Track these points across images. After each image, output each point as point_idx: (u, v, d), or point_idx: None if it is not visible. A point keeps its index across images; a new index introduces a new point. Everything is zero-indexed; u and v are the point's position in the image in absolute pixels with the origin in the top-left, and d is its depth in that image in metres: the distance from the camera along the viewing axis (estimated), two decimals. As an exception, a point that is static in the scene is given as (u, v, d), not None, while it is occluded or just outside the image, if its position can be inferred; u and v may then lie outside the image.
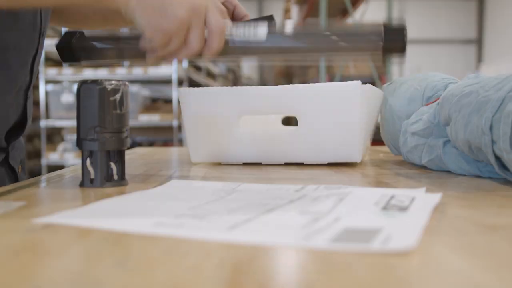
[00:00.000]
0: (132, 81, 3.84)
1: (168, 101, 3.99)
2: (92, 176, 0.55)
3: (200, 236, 0.34)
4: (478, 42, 8.47)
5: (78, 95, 0.55)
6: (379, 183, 0.60)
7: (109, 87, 0.55)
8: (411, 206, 0.42)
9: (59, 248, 0.32)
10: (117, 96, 0.55)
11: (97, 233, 0.35)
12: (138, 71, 3.78)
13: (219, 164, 0.81)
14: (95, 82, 0.55)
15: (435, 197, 0.46)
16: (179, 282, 0.25)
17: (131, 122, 3.11)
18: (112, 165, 0.56)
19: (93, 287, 0.24)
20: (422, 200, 0.44)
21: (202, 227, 0.36)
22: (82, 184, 0.56)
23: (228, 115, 0.79)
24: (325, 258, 0.29)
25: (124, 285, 0.25)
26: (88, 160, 0.56)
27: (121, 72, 3.77)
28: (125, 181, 0.58)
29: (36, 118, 4.05)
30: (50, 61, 4.08)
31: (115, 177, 0.57)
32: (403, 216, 0.38)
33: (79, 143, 0.56)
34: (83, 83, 0.55)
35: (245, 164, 0.80)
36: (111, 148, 0.56)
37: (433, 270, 0.27)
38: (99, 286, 0.24)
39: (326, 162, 0.77)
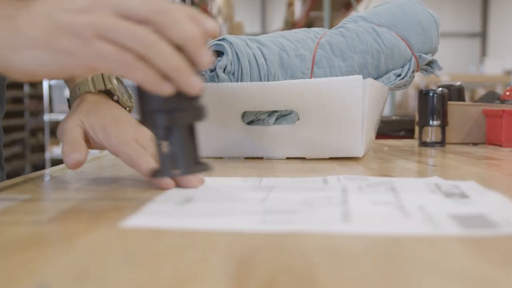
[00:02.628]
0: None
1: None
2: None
3: (316, 229, 0.33)
4: (483, 35, 8.44)
5: None
6: (384, 177, 0.60)
7: None
8: (467, 193, 0.44)
9: (65, 242, 0.32)
10: None
11: (103, 227, 0.35)
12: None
13: (221, 158, 0.81)
14: None
15: (472, 184, 0.48)
16: (185, 276, 0.25)
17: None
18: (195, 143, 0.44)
19: (99, 282, 0.24)
20: (466, 186, 0.47)
21: (313, 221, 0.36)
22: (160, 173, 0.44)
23: (229, 110, 0.78)
24: (332, 250, 0.29)
25: (130, 279, 0.25)
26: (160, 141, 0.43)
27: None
28: (207, 165, 0.45)
29: (40, 112, 4.05)
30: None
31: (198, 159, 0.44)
32: (477, 202, 0.40)
33: (148, 118, 0.42)
34: None
35: (246, 158, 0.80)
36: (197, 119, 0.43)
37: (441, 263, 0.27)
38: (105, 281, 0.24)
39: (328, 157, 0.77)
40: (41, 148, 4.42)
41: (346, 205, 0.40)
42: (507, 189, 0.50)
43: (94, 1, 0.39)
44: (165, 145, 0.43)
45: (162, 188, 0.48)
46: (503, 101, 1.18)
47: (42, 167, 4.06)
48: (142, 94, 0.42)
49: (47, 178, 0.61)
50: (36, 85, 4.36)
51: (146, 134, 0.53)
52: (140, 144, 0.52)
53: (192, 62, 0.40)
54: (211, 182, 0.54)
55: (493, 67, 4.92)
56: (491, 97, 1.26)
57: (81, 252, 0.29)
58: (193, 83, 0.40)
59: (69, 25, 0.38)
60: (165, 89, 0.39)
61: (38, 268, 0.26)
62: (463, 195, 0.43)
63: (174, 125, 0.42)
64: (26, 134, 4.37)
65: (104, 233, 0.34)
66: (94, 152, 0.67)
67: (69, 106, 0.62)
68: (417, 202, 0.41)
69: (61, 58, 0.38)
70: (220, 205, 0.42)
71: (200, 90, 0.40)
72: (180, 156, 0.43)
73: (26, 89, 4.42)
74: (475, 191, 0.45)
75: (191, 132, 0.44)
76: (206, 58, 0.40)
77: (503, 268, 0.26)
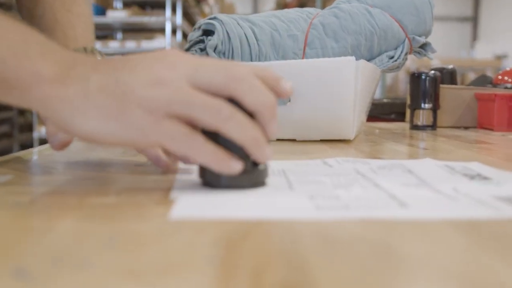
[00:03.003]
0: (125, 54, 3.80)
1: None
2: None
3: (379, 215, 0.32)
4: (474, 19, 8.44)
5: None
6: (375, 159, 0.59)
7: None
8: (485, 175, 0.44)
9: (46, 225, 0.31)
10: None
11: (86, 210, 0.34)
12: (131, 44, 3.73)
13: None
14: None
15: (480, 165, 0.49)
16: (171, 261, 0.24)
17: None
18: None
19: (78, 267, 0.23)
20: (477, 168, 0.48)
21: (369, 205, 0.34)
22: (215, 183, 0.39)
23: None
24: (322, 235, 0.28)
25: (112, 264, 0.23)
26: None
27: (114, 45, 3.72)
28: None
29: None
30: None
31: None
32: (503, 183, 0.41)
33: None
34: None
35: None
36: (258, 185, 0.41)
37: (437, 250, 0.26)
38: (85, 266, 0.23)
39: (319, 139, 0.76)
40: (29, 128, 4.37)
41: (382, 188, 0.39)
42: (500, 174, 0.49)
43: (170, 70, 0.37)
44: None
45: (164, 172, 0.46)
46: (495, 85, 1.17)
47: (30, 146, 4.02)
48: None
49: (33, 157, 0.59)
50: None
51: None
52: None
53: (263, 130, 0.38)
54: None
55: (484, 51, 4.93)
56: (483, 81, 1.25)
57: (62, 236, 0.28)
58: (266, 154, 0.38)
59: (142, 98, 0.36)
60: (233, 168, 0.37)
61: (15, 252, 0.25)
62: (484, 177, 0.43)
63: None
64: (14, 113, 4.31)
65: (87, 216, 0.32)
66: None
67: None
68: (448, 185, 0.39)
69: (128, 132, 0.36)
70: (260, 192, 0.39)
71: (270, 159, 0.38)
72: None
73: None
74: (490, 172, 0.45)
75: None
76: (275, 128, 0.38)
77: (502, 256, 0.25)
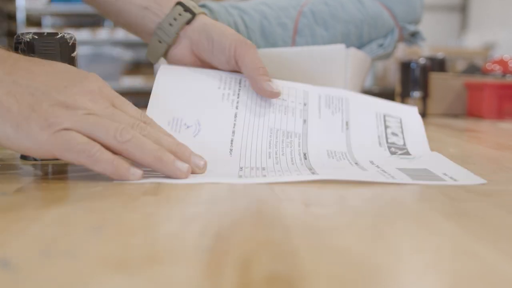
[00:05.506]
0: (115, 43, 3.76)
1: (152, 64, 3.92)
2: None
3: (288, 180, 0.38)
4: (463, 9, 8.44)
5: (32, 49, 0.44)
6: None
7: (70, 41, 0.46)
8: (407, 142, 0.52)
9: (31, 215, 0.30)
10: (76, 53, 0.47)
11: (73, 200, 0.34)
12: (120, 34, 3.70)
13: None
14: (53, 35, 0.46)
15: (413, 112, 0.58)
16: (159, 250, 0.24)
17: (113, 85, 3.07)
18: None
19: (64, 257, 0.23)
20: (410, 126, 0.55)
21: (284, 173, 0.40)
22: (32, 157, 0.45)
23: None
24: (311, 225, 0.28)
25: (99, 253, 0.23)
26: None
27: (103, 33, 3.69)
28: None
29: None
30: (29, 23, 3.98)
31: None
32: (419, 159, 0.47)
33: None
34: (38, 37, 0.45)
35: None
36: None
37: (426, 237, 0.26)
38: (71, 255, 0.23)
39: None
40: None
41: (306, 151, 0.47)
42: (487, 161, 0.50)
43: (83, 99, 0.37)
44: None
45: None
46: (484, 73, 1.17)
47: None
48: None
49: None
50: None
51: None
52: None
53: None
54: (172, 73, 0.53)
55: (473, 40, 4.94)
56: (472, 69, 1.25)
57: (48, 226, 0.28)
58: (178, 168, 0.38)
59: (47, 114, 0.36)
60: (133, 177, 0.37)
61: (1, 242, 0.25)
62: (407, 153, 0.50)
63: None
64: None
65: (74, 205, 0.32)
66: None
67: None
68: (367, 158, 0.47)
69: (23, 141, 0.36)
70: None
71: (188, 174, 0.39)
72: None
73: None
74: (418, 151, 0.51)
75: None
76: (200, 160, 0.41)
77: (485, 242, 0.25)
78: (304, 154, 0.47)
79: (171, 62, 0.57)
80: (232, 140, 0.48)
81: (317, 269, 0.22)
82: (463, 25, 6.51)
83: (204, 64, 0.55)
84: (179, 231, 0.27)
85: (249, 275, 0.21)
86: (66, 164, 0.45)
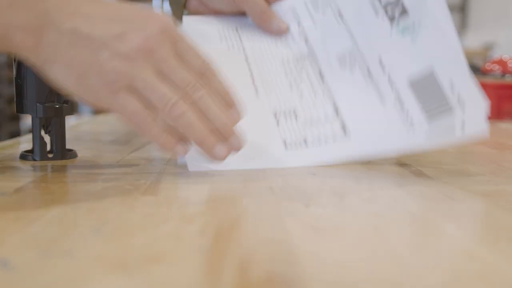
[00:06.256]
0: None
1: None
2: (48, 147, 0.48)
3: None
4: (462, 9, 8.44)
5: None
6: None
7: None
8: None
9: (31, 214, 0.30)
10: None
11: (73, 199, 0.34)
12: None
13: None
14: None
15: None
16: (158, 250, 0.24)
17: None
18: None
19: (64, 257, 0.23)
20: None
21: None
22: (32, 157, 0.47)
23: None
24: (312, 225, 0.28)
25: (98, 254, 0.23)
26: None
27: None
28: (73, 153, 0.50)
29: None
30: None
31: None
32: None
33: (29, 108, 0.47)
34: None
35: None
36: (71, 113, 0.49)
37: (426, 238, 0.26)
38: (71, 256, 0.23)
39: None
40: (16, 117, 4.33)
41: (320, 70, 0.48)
42: (487, 161, 0.50)
43: (142, 48, 0.36)
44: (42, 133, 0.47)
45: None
46: (484, 73, 1.17)
47: (18, 135, 3.99)
48: (24, 87, 0.46)
49: (20, 147, 0.59)
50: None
51: None
52: None
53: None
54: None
55: (472, 40, 4.94)
56: (472, 69, 1.25)
57: (48, 226, 0.28)
58: (216, 153, 0.40)
59: (105, 68, 0.36)
60: (179, 151, 0.39)
61: (0, 242, 0.25)
62: (404, 11, 0.46)
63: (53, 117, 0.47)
64: (2, 103, 4.27)
65: (73, 205, 0.32)
66: (71, 121, 0.65)
67: None
68: (374, 50, 0.46)
69: (85, 92, 0.37)
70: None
71: (225, 157, 0.40)
72: (57, 143, 0.48)
73: (2, 58, 4.31)
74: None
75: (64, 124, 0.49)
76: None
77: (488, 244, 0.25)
78: (320, 73, 0.48)
79: (191, 13, 0.57)
80: (253, 80, 0.49)
81: (317, 269, 0.22)
82: (463, 25, 6.52)
83: (212, 11, 0.55)
84: (179, 231, 0.27)
85: (249, 275, 0.21)
86: (66, 164, 0.45)
